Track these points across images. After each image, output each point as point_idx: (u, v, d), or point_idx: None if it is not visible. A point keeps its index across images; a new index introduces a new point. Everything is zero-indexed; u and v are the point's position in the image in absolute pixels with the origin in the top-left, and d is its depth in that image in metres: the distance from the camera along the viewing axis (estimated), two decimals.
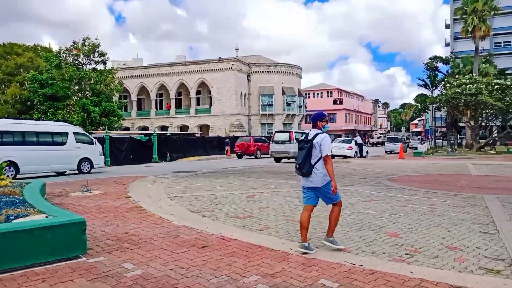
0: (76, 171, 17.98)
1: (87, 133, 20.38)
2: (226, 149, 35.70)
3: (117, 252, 5.07)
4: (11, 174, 15.01)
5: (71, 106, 36.28)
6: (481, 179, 13.76)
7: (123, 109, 55.02)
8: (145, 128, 55.11)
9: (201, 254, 4.94)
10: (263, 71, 56.12)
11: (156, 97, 57.72)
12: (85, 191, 10.15)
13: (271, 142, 25.15)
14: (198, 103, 55.99)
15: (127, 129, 52.50)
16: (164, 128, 54.74)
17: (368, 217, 7.17)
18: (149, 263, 4.62)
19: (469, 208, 7.92)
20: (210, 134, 50.15)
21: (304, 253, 4.88)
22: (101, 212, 7.76)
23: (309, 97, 78.40)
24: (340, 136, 64.92)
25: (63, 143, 17.49)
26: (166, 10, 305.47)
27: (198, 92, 55.70)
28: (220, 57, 54.23)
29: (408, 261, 4.68)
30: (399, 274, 4.11)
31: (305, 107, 62.48)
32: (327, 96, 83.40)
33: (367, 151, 30.09)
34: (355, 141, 29.11)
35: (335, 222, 5.11)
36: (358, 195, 9.74)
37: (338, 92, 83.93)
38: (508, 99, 30.51)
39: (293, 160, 23.76)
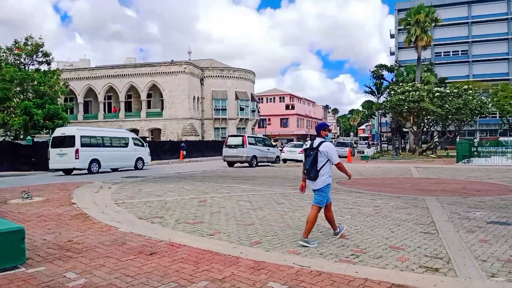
0: (133, 168, 22.50)
1: (139, 138, 25.36)
2: (182, 153, 35.03)
3: (59, 261, 4.82)
4: (96, 169, 20.02)
5: (12, 109, 34.13)
6: (423, 181, 14.53)
7: (68, 112, 52.55)
8: None
9: (148, 261, 4.81)
10: (216, 75, 55.96)
11: (105, 99, 55.73)
12: (26, 197, 9.58)
13: (224, 146, 25.11)
14: (149, 107, 54.72)
15: None
16: None
17: (317, 219, 7.31)
18: (93, 271, 4.43)
19: (411, 210, 8.33)
20: (162, 138, 49.15)
21: (304, 246, 5.44)
22: (43, 220, 7.35)
23: (262, 102, 79.16)
24: (292, 140, 66.09)
25: (126, 146, 22.39)
26: (115, 10, 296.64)
27: (149, 95, 54.45)
28: (172, 60, 53.41)
29: (354, 261, 4.83)
30: (345, 274, 4.24)
31: (258, 111, 63.02)
32: (280, 101, 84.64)
33: None
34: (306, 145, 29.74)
35: (310, 224, 5.63)
36: (308, 198, 9.91)
37: (290, 97, 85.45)
38: (447, 106, 32.50)
39: (246, 164, 23.85)
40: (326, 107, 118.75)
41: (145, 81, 52.50)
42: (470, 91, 34.88)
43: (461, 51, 67.66)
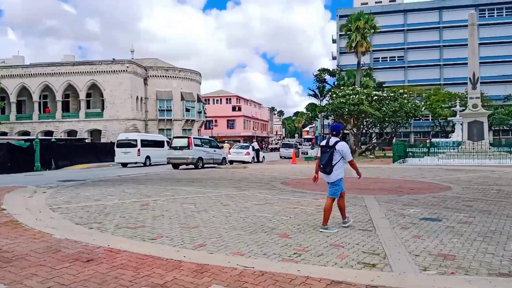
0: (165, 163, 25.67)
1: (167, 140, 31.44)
2: None
3: None
4: (149, 163, 28.20)
5: None
6: (361, 181, 15.03)
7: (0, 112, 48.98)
8: (26, 133, 49.55)
9: (85, 268, 4.56)
10: (161, 75, 54.71)
11: (40, 99, 52.39)
12: None
13: (169, 147, 24.58)
14: (88, 107, 52.26)
15: (5, 134, 46.77)
16: (48, 133, 49.88)
17: (262, 219, 7.39)
18: (24, 281, 4.13)
19: (350, 208, 8.64)
20: (103, 140, 47.12)
21: (324, 231, 6.30)
22: None
23: (208, 103, 78.66)
24: (238, 142, 66.29)
25: (163, 146, 29.65)
26: (52, 4, 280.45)
27: (88, 95, 51.99)
28: (113, 59, 51.46)
29: (296, 260, 4.91)
30: (287, 273, 4.29)
31: (205, 113, 62.51)
32: (226, 103, 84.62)
33: (263, 156, 31.19)
34: (253, 146, 29.99)
35: (327, 213, 6.45)
36: (253, 199, 9.99)
37: (237, 99, 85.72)
38: (384, 109, 34.25)
39: (191, 166, 23.52)
40: (272, 109, 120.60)
41: (85, 80, 50.09)
42: (405, 95, 37.12)
43: (398, 57, 71.73)
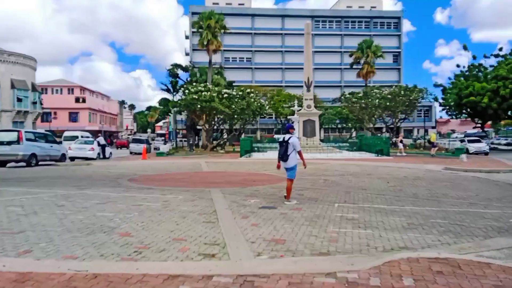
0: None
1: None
2: None
3: None
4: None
5: None
6: (210, 175, 15.64)
7: None
8: None
9: None
10: None
11: None
12: None
13: None
14: None
15: None
16: None
17: (102, 219, 6.95)
18: None
19: (197, 202, 8.81)
20: None
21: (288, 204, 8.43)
22: None
23: (46, 93, 70.05)
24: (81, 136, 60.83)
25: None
26: None
27: None
28: None
29: (136, 258, 4.77)
30: (124, 273, 4.13)
31: (41, 103, 55.53)
32: (69, 93, 76.72)
33: (110, 152, 29.38)
34: (98, 141, 27.92)
35: (289, 190, 8.84)
36: (94, 198, 9.31)
37: (81, 90, 78.48)
38: (234, 106, 35.85)
39: (22, 164, 20.65)
40: (122, 102, 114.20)
41: None
42: (252, 94, 39.50)
43: (246, 58, 75.83)
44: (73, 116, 74.89)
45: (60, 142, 27.56)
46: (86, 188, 11.29)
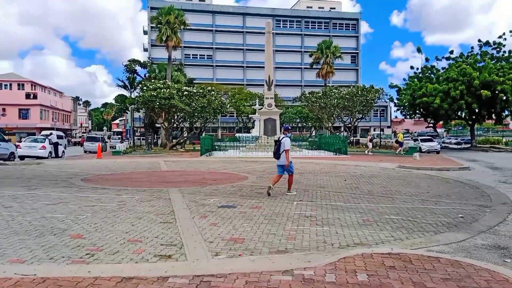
0: None
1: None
2: None
3: None
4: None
5: None
6: (169, 174, 15.34)
7: None
8: None
9: None
10: None
11: None
12: None
13: None
14: None
15: None
16: None
17: (52, 221, 6.63)
18: None
19: (154, 202, 8.60)
20: None
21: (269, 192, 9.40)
22: None
23: None
24: (34, 134, 58.07)
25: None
26: None
27: None
28: None
29: (88, 261, 4.58)
30: (74, 276, 3.95)
31: None
32: (18, 89, 72.80)
33: (63, 151, 28.17)
34: (50, 140, 26.68)
35: (290, 183, 9.93)
36: (45, 199, 8.87)
37: (32, 85, 74.69)
38: (194, 104, 35.44)
39: None
40: (76, 99, 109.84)
41: None
42: (213, 92, 39.23)
43: (207, 55, 75.10)
44: (23, 113, 71.14)
45: (9, 140, 26.13)
46: (36, 188, 10.74)
